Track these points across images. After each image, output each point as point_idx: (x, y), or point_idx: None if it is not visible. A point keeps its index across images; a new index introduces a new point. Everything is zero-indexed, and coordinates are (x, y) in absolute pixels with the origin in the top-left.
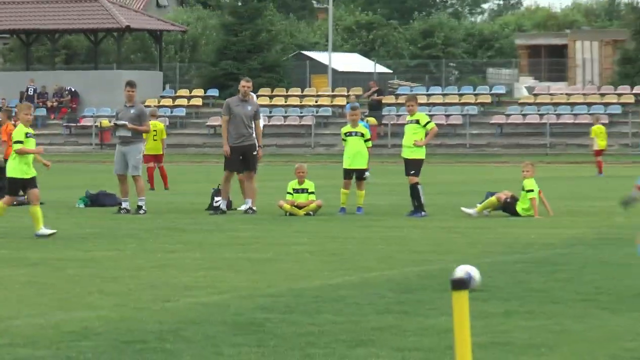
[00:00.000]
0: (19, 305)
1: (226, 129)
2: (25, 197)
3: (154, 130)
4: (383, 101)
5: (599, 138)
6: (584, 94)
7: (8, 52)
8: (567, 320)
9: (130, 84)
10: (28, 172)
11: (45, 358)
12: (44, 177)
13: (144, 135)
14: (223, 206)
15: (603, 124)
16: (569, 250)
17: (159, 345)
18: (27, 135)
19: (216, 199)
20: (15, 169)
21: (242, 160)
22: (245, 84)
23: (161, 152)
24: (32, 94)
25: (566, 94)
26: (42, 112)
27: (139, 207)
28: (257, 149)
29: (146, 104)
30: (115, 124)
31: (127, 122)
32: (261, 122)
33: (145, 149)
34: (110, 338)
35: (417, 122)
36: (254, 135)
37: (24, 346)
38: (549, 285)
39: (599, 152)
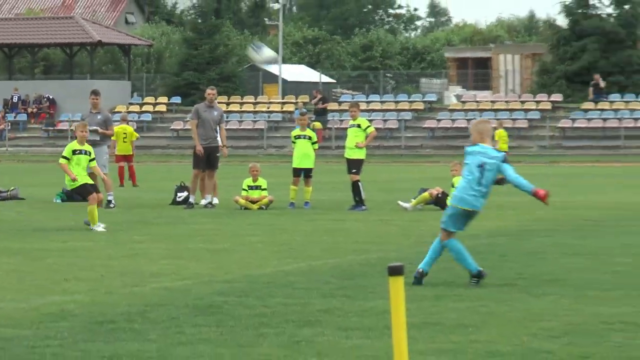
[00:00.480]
0: (2, 291)
1: (196, 131)
2: (8, 192)
3: (124, 133)
4: (328, 108)
5: (501, 141)
6: (506, 101)
7: None
8: (492, 302)
9: (95, 93)
10: (81, 179)
11: (27, 337)
12: (26, 176)
13: (113, 137)
14: (192, 200)
15: (505, 129)
16: (492, 240)
17: (127, 326)
18: (74, 152)
19: (179, 194)
20: (69, 181)
21: (207, 159)
22: (210, 91)
23: (131, 153)
24: (16, 100)
25: (491, 101)
26: (24, 117)
27: (109, 202)
28: (223, 148)
29: (116, 110)
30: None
31: (97, 128)
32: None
33: (116, 150)
34: (85, 319)
35: (359, 126)
36: (218, 138)
37: (7, 327)
38: None
39: None
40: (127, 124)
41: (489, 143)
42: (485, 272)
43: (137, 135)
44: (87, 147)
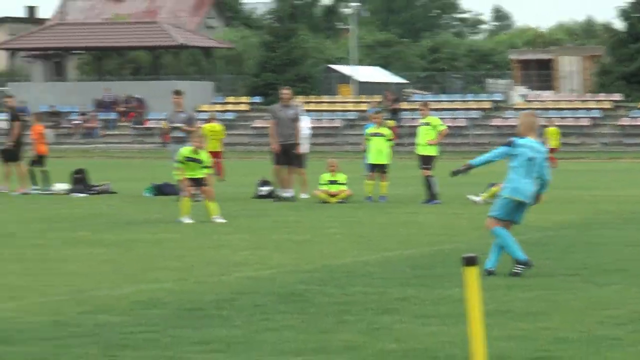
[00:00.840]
0: (97, 279)
1: (273, 130)
2: (101, 187)
3: (213, 131)
4: (400, 107)
5: (552, 139)
6: (569, 101)
7: (83, 66)
8: (559, 291)
9: (177, 92)
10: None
11: (121, 323)
12: (117, 172)
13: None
14: (281, 194)
15: (556, 126)
16: (558, 232)
17: (216, 313)
18: (187, 159)
19: (261, 188)
20: (176, 174)
21: (286, 156)
22: (284, 92)
23: (219, 149)
24: (108, 100)
25: (554, 100)
26: (114, 115)
27: (195, 195)
28: (298, 145)
29: (200, 109)
30: (172, 126)
31: (182, 125)
32: (304, 124)
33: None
34: (175, 307)
35: (429, 124)
36: (296, 135)
37: (103, 313)
38: (542, 262)
39: (552, 150)
40: (216, 122)
41: (534, 136)
42: (532, 262)
43: (225, 133)
44: (201, 155)
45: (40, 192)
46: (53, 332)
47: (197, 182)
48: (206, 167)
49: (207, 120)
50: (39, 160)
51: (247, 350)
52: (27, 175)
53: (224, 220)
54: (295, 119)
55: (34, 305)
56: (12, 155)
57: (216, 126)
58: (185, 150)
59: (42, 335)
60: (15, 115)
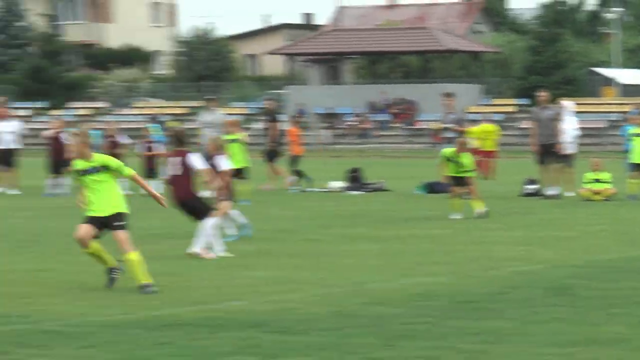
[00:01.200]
0: (372, 272)
1: (534, 132)
2: (375, 185)
3: (485, 131)
4: None
5: None
6: None
7: (358, 70)
8: None
9: (447, 95)
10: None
11: (399, 314)
12: (390, 170)
13: (477, 134)
14: (548, 192)
15: None
16: None
17: (487, 305)
18: (448, 159)
19: (526, 187)
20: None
21: (548, 155)
22: (541, 94)
23: (492, 149)
24: (382, 103)
25: None
26: (386, 117)
27: (462, 193)
28: (558, 145)
29: (469, 111)
30: (444, 127)
31: (453, 125)
32: (571, 124)
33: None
34: (448, 299)
35: None
36: (555, 134)
37: (380, 305)
38: None
39: None
40: (488, 123)
41: None
42: None
43: (499, 133)
44: (463, 158)
45: (302, 190)
46: (334, 323)
47: (461, 181)
48: (468, 170)
49: (476, 122)
50: (294, 160)
51: (519, 342)
52: (284, 173)
53: (485, 209)
54: (554, 120)
55: (315, 297)
56: (274, 154)
57: (489, 126)
58: (447, 151)
59: (323, 326)
60: (274, 117)
